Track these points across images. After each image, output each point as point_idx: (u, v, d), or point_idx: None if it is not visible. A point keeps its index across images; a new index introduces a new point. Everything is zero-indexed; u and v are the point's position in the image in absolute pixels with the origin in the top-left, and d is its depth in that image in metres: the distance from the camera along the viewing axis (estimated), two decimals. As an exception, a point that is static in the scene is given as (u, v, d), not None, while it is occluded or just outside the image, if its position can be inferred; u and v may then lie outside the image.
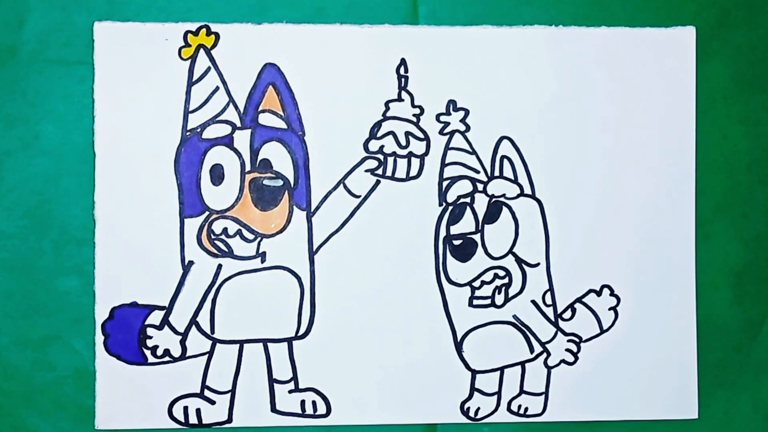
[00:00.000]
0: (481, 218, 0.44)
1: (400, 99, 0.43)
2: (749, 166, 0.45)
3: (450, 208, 0.44)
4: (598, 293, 0.44)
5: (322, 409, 0.43)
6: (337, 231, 0.43)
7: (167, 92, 0.42)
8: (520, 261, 0.44)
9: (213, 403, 0.43)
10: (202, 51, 0.42)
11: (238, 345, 0.43)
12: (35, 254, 0.42)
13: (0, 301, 0.42)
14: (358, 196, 0.43)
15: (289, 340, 0.43)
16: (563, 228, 0.44)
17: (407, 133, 0.43)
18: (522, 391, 0.44)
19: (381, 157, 0.43)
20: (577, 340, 0.44)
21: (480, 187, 0.44)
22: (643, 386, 0.44)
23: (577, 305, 0.44)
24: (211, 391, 0.43)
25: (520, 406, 0.44)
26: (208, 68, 0.42)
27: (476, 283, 0.43)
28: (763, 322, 0.45)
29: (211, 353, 0.43)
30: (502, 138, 0.44)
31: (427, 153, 0.43)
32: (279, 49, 0.43)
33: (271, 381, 0.43)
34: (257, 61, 0.43)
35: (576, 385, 0.44)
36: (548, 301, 0.44)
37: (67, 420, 0.42)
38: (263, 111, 0.43)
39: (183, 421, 0.42)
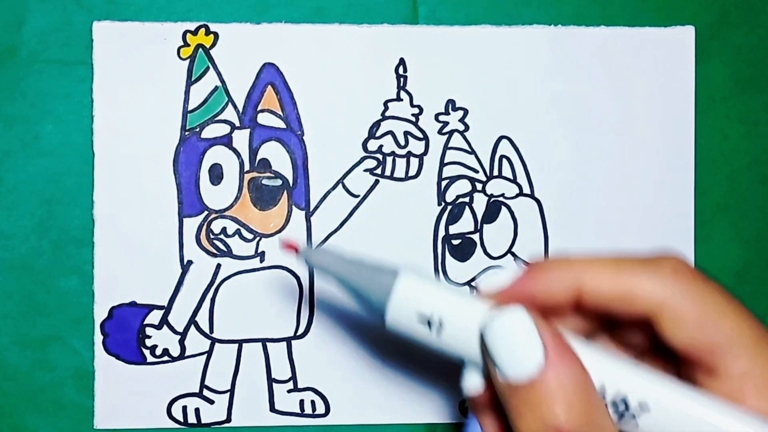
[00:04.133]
0: (480, 218, 0.44)
1: (398, 99, 0.43)
2: (749, 166, 0.45)
3: (449, 207, 0.44)
4: (598, 293, 0.44)
5: (320, 408, 0.43)
6: (336, 230, 0.43)
7: (166, 92, 0.42)
8: (518, 260, 0.44)
9: (212, 402, 0.43)
10: (201, 51, 0.42)
11: (236, 344, 0.43)
12: (35, 254, 0.42)
13: (0, 301, 0.42)
14: (357, 196, 0.43)
15: (288, 340, 0.43)
16: (562, 228, 0.44)
17: (406, 133, 0.43)
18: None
19: (380, 156, 0.43)
20: (577, 340, 0.44)
21: (479, 186, 0.44)
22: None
23: (576, 305, 0.44)
24: (210, 390, 0.43)
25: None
26: (207, 68, 0.42)
27: (475, 283, 0.43)
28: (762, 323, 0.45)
29: (209, 353, 0.43)
30: (501, 138, 0.44)
31: (425, 153, 0.43)
32: (278, 49, 0.43)
33: (270, 381, 0.43)
34: (256, 61, 0.43)
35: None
36: (547, 301, 0.44)
37: (67, 420, 0.42)
38: (262, 111, 0.43)
39: (182, 420, 0.43)
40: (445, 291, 0.31)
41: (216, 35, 0.42)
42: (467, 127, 0.44)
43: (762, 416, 0.29)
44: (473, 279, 0.43)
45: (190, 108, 0.42)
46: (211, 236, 0.43)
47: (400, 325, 0.31)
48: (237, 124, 0.43)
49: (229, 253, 0.43)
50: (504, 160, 0.44)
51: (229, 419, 0.43)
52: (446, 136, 0.44)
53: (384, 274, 0.32)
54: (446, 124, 0.44)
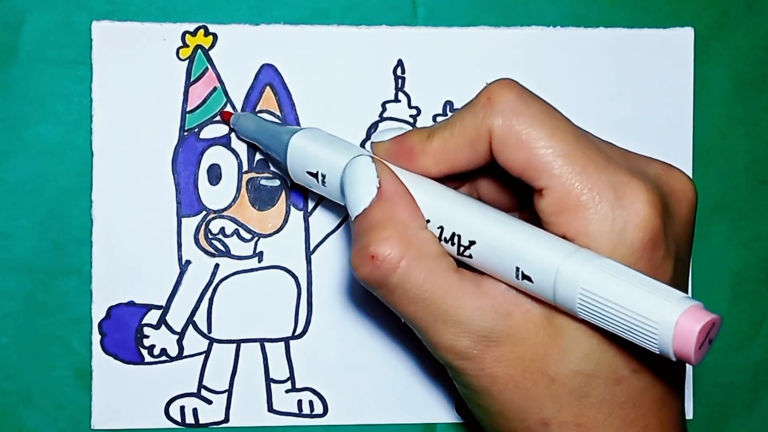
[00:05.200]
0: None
1: (396, 100, 0.43)
2: (748, 166, 0.45)
3: (447, 208, 0.44)
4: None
5: (319, 408, 0.43)
6: (333, 231, 0.43)
7: (165, 92, 0.42)
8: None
9: (210, 402, 0.43)
10: (200, 51, 0.42)
11: (235, 345, 0.43)
12: (34, 254, 0.42)
13: (0, 301, 0.42)
14: (355, 196, 0.43)
15: (286, 340, 0.43)
16: (560, 228, 0.44)
17: (404, 134, 0.43)
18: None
19: (378, 157, 0.43)
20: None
21: (477, 187, 0.44)
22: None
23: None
24: (208, 390, 0.43)
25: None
26: (206, 69, 0.42)
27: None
28: (761, 323, 0.45)
29: (207, 353, 0.43)
30: (499, 138, 0.44)
31: (424, 153, 0.43)
32: (276, 50, 0.43)
33: (268, 381, 0.43)
34: (255, 62, 0.43)
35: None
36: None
37: (66, 420, 0.43)
38: (261, 111, 0.43)
39: (180, 420, 0.43)
40: (327, 151, 0.37)
41: (215, 36, 0.43)
42: (465, 128, 0.44)
43: (559, 240, 0.31)
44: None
45: (188, 108, 0.43)
46: (210, 236, 0.43)
47: (299, 179, 0.38)
48: (236, 124, 0.43)
49: (227, 253, 0.43)
50: (502, 161, 0.44)
51: (227, 419, 0.43)
52: (444, 136, 0.44)
53: (283, 138, 0.38)
54: (444, 124, 0.44)
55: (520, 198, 0.37)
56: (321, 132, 0.38)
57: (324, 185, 0.37)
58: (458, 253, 0.33)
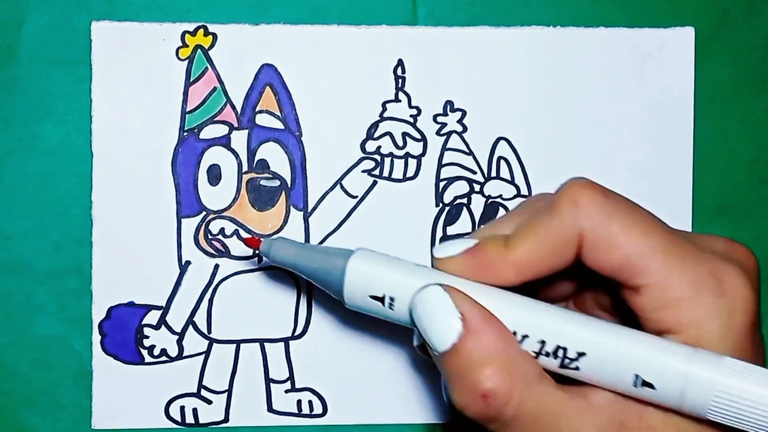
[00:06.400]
0: (477, 219, 0.44)
1: (397, 100, 0.43)
2: (748, 166, 0.45)
3: (447, 209, 0.44)
4: (596, 294, 0.44)
5: (318, 409, 0.43)
6: (333, 231, 0.43)
7: (165, 92, 0.42)
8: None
9: (210, 402, 0.43)
10: (199, 51, 0.42)
11: (234, 345, 0.43)
12: (34, 254, 0.42)
13: (0, 301, 0.42)
14: (355, 197, 0.43)
15: (286, 340, 0.43)
16: (560, 229, 0.44)
17: (404, 134, 0.43)
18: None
19: (378, 157, 0.43)
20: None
21: (477, 188, 0.44)
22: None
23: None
24: (208, 390, 0.43)
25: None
26: (206, 68, 0.42)
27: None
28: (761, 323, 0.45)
29: (207, 353, 0.43)
30: (499, 139, 0.44)
31: (424, 154, 0.44)
32: (276, 50, 0.43)
33: (268, 381, 0.43)
34: (255, 62, 0.43)
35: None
36: (545, 302, 0.43)
37: (66, 420, 0.43)
38: (260, 111, 0.43)
39: (180, 420, 0.43)
40: (393, 272, 0.34)
41: (215, 36, 0.43)
42: (465, 129, 0.44)
43: (672, 343, 0.31)
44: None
45: (188, 108, 0.43)
46: (209, 237, 0.43)
47: (358, 305, 0.35)
48: (235, 124, 0.43)
49: (227, 253, 0.43)
50: (502, 162, 0.44)
51: (226, 419, 0.43)
52: (444, 137, 0.44)
53: (336, 262, 0.35)
54: (444, 125, 0.44)
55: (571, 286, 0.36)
56: (375, 252, 0.36)
57: (391, 308, 0.34)
58: (561, 366, 0.32)
